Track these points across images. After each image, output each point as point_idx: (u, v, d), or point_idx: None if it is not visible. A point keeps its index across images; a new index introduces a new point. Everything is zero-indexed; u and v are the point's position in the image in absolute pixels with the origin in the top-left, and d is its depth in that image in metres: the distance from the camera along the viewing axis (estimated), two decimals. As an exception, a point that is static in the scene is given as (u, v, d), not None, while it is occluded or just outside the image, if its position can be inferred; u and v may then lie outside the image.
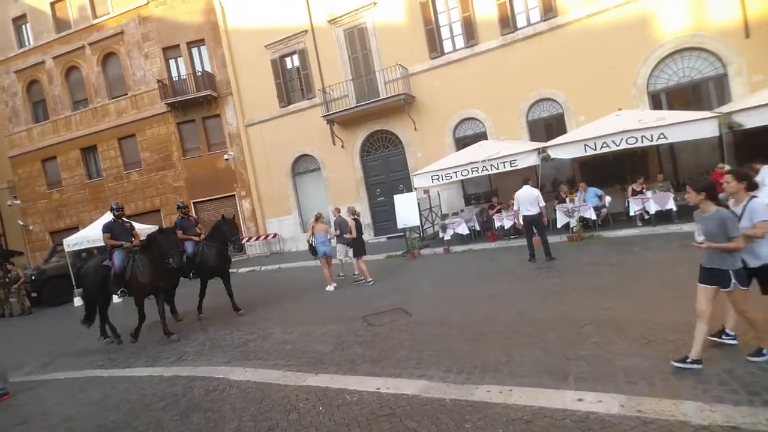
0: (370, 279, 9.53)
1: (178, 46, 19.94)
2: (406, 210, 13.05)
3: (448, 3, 15.43)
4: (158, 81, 19.69)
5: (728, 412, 2.99)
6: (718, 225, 3.57)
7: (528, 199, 9.17)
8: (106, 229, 8.13)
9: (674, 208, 10.28)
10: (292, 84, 18.64)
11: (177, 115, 20.20)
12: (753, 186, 3.91)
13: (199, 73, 19.72)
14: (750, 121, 8.98)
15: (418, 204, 13.21)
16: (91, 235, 15.01)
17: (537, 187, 11.66)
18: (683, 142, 10.70)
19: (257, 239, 19.40)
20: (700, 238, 3.65)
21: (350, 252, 10.16)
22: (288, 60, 18.51)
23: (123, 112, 21.12)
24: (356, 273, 10.01)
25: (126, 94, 21.02)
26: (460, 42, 15.40)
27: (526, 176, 10.00)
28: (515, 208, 9.70)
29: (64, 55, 21.58)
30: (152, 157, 20.87)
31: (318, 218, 9.84)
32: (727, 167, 9.40)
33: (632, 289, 6.21)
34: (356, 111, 16.55)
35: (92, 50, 21.14)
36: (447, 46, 15.65)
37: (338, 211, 10.80)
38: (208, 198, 20.42)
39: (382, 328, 6.25)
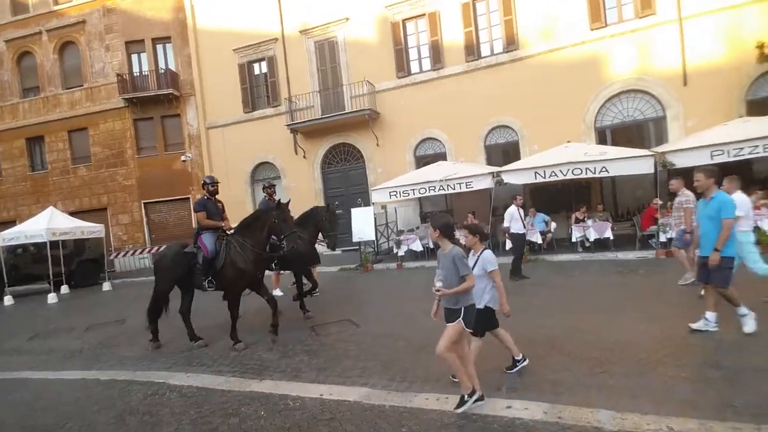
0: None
1: (142, 41, 19.49)
2: (363, 224, 13.22)
3: (418, 26, 15.98)
4: (118, 75, 19.12)
5: (636, 419, 3.30)
6: (451, 263, 3.66)
7: (521, 216, 9.28)
8: (201, 206, 6.80)
9: (611, 237, 11.01)
10: (258, 90, 18.58)
11: (135, 111, 19.62)
12: (485, 237, 4.34)
13: (162, 71, 19.30)
14: (681, 162, 9.82)
15: (375, 219, 13.41)
16: (30, 230, 14.26)
17: (490, 208, 12.23)
18: (623, 176, 11.50)
19: (210, 244, 18.93)
20: (438, 284, 3.68)
21: None
22: (256, 66, 18.47)
23: (76, 104, 20.28)
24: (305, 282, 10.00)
25: (82, 86, 20.24)
26: (426, 64, 15.94)
27: (514, 194, 10.03)
28: (506, 224, 9.64)
29: (18, 40, 20.61)
30: (103, 153, 20.09)
31: None
32: (659, 202, 10.24)
33: (568, 310, 6.60)
34: (321, 123, 16.70)
35: (49, 37, 20.28)
36: (414, 67, 16.15)
37: None
38: (160, 199, 19.84)
39: (329, 338, 6.33)
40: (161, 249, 7.44)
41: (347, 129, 16.80)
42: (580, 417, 3.39)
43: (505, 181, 11.62)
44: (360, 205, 13.70)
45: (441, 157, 15.38)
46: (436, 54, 15.64)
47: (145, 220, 20.00)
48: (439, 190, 12.10)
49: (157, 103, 19.24)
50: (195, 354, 6.32)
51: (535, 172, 11.05)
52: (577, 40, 13.74)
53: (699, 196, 5.34)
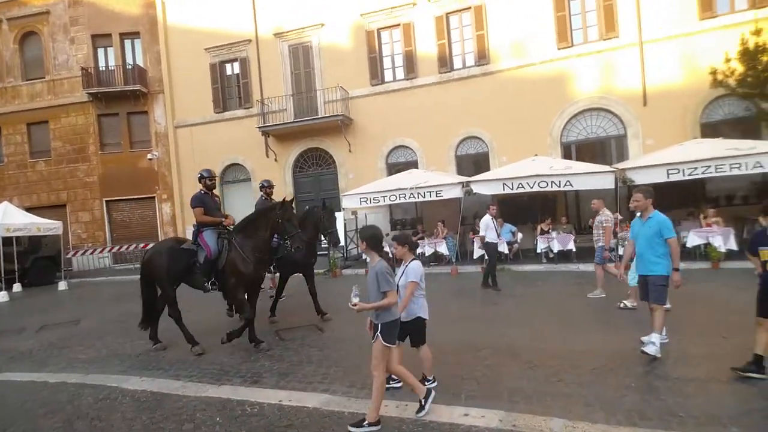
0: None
1: (109, 35, 18.93)
2: (333, 229, 13.15)
3: (393, 35, 16.14)
4: (82, 68, 18.47)
5: (586, 427, 3.41)
6: (374, 277, 3.61)
7: (492, 225, 9.33)
8: (198, 202, 6.41)
9: (574, 249, 11.36)
10: (230, 91, 18.32)
11: (99, 106, 18.98)
12: (414, 247, 4.31)
13: (130, 66, 18.78)
14: (639, 179, 10.24)
15: (345, 224, 13.40)
16: (-20, 225, 13.55)
17: (459, 218, 12.41)
18: (586, 190, 11.89)
19: (175, 246, 18.43)
20: (355, 299, 3.61)
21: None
22: (228, 66, 18.22)
23: (37, 96, 19.46)
24: (271, 287, 9.90)
25: (43, 78, 19.44)
26: (400, 73, 16.10)
27: (489, 204, 10.10)
28: (482, 233, 9.70)
29: (-25, 27, 19.62)
30: (64, 148, 19.32)
31: None
32: (620, 216, 10.62)
33: (530, 319, 6.76)
34: (294, 126, 16.60)
35: (10, 26, 19.43)
36: (388, 76, 16.28)
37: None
38: (124, 198, 19.22)
39: (293, 343, 6.27)
40: (150, 246, 7.02)
41: (320, 134, 16.76)
42: (533, 425, 3.48)
43: (474, 191, 11.84)
44: (330, 211, 13.64)
45: (412, 165, 15.53)
46: (410, 64, 15.83)
47: (106, 218, 19.30)
48: (410, 197, 12.20)
49: (123, 99, 18.68)
50: (152, 357, 6.14)
51: (504, 184, 11.30)
52: (545, 58, 14.18)
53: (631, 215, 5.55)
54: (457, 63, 15.44)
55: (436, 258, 12.83)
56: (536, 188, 10.98)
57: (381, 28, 16.17)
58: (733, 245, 9.99)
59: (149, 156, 18.47)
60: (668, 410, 3.67)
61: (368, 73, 16.25)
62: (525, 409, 3.82)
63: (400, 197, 12.33)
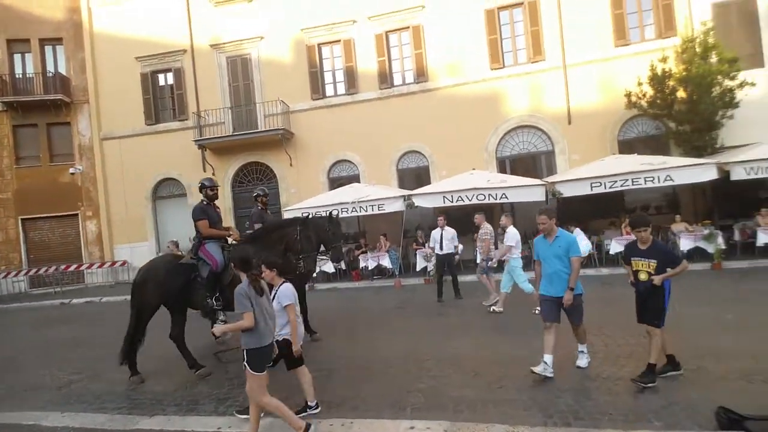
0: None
1: (28, 41, 17.55)
2: (275, 245, 12.90)
3: (333, 51, 16.26)
4: (-6, 75, 16.94)
5: (526, 431, 3.56)
6: (237, 300, 3.56)
7: (446, 237, 9.43)
8: (202, 213, 5.97)
9: (511, 259, 11.85)
10: (164, 102, 17.55)
11: (15, 116, 17.47)
12: (284, 271, 4.21)
13: (51, 74, 17.48)
14: (566, 191, 10.99)
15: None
16: None
17: (401, 231, 12.58)
18: (520, 202, 12.52)
19: (101, 266, 17.19)
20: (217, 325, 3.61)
21: None
22: (161, 76, 17.47)
23: (-62, 104, 17.55)
24: None
25: (-54, 84, 17.59)
26: (341, 88, 16.21)
27: (439, 215, 10.18)
28: (431, 245, 9.69)
29: None
30: (-28, 161, 17.52)
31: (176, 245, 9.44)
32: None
33: (471, 329, 6.96)
34: (232, 140, 16.16)
35: None
36: (329, 90, 16.34)
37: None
38: (42, 215, 17.68)
39: (233, 366, 6.01)
40: (146, 263, 6.30)
41: (260, 148, 16.43)
42: (476, 433, 3.58)
43: (416, 205, 12.08)
44: (271, 226, 13.33)
45: (355, 179, 15.60)
46: (351, 79, 15.99)
47: (22, 238, 17.64)
48: (352, 211, 12.23)
49: (42, 108, 17.30)
50: (75, 389, 5.65)
51: (444, 197, 11.65)
52: (479, 78, 14.88)
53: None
54: (397, 80, 15.82)
55: (380, 271, 12.91)
56: (475, 201, 11.41)
57: (322, 44, 16.24)
58: (649, 252, 10.86)
59: (72, 170, 17.19)
60: (599, 409, 3.92)
61: (309, 87, 16.22)
62: (469, 417, 3.92)
63: (342, 211, 12.30)
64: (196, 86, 16.85)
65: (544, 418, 3.83)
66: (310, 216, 6.17)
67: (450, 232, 9.49)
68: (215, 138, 16.18)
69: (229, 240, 6.25)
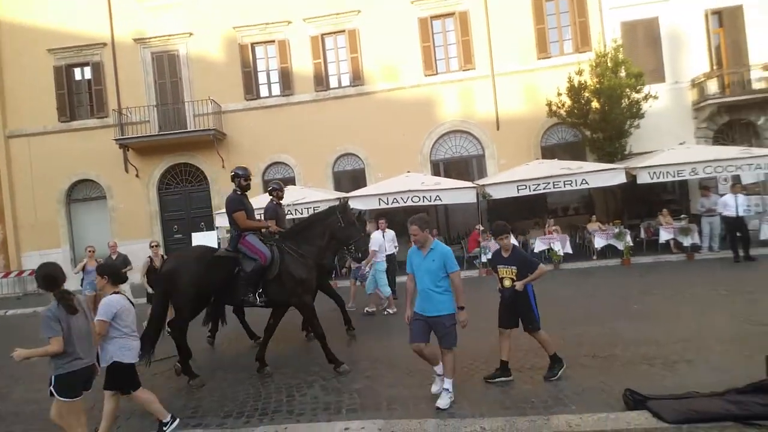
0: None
1: None
2: (206, 249, 12.41)
3: (268, 51, 15.94)
4: None
5: (456, 423, 3.74)
6: (43, 323, 3.25)
7: (388, 239, 9.34)
8: (239, 204, 5.62)
9: (445, 260, 12.25)
10: (80, 98, 16.29)
11: None
12: (119, 279, 3.95)
13: (-58, 63, 15.61)
14: (495, 194, 11.57)
15: (219, 243, 12.69)
16: None
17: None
18: (453, 204, 12.98)
19: (6, 276, 15.58)
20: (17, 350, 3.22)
21: (125, 292, 9.26)
22: (78, 71, 16.20)
23: None
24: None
25: None
26: (276, 89, 15.92)
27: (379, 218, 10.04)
28: (373, 248, 9.48)
29: None
30: None
31: (92, 253, 8.96)
32: (482, 228, 11.78)
33: (406, 328, 7.08)
34: (158, 140, 15.32)
35: None
36: (263, 91, 15.99)
37: (116, 246, 9.80)
38: (-68, 221, 15.71)
39: (158, 378, 5.73)
40: (172, 254, 5.95)
41: (190, 148, 15.70)
42: (410, 429, 3.70)
43: (351, 207, 12.08)
44: (202, 229, 12.88)
45: (290, 181, 15.36)
46: (286, 81, 15.76)
47: None
48: (287, 214, 12.03)
49: (-69, 101, 15.41)
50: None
51: (379, 199, 11.81)
52: (414, 83, 15.26)
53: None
54: (333, 82, 15.81)
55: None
56: (410, 203, 11.67)
57: (255, 43, 15.86)
58: (569, 249, 11.74)
59: (-31, 170, 15.45)
60: (523, 398, 4.19)
61: (242, 87, 15.77)
62: (402, 414, 4.04)
63: (278, 214, 12.10)
64: (117, 82, 15.79)
65: (473, 409, 4.03)
66: (345, 201, 6.08)
67: (390, 234, 9.63)
68: (139, 137, 15.24)
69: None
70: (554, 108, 13.87)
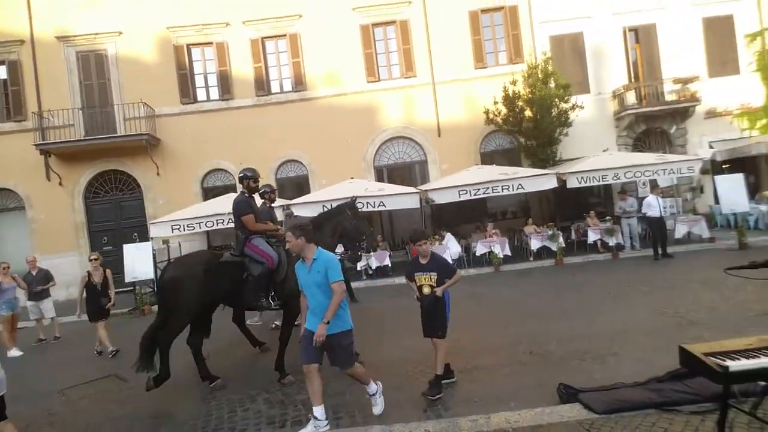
0: (111, 348, 7.52)
1: None
2: (139, 261, 11.75)
3: (205, 53, 15.41)
4: None
5: (401, 428, 3.79)
6: None
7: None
8: (249, 207, 5.49)
9: (389, 264, 12.41)
10: (-8, 99, 14.90)
11: None
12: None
13: None
14: (438, 198, 11.87)
15: (154, 255, 12.07)
16: None
17: (281, 242, 12.33)
18: (397, 209, 13.15)
19: None
20: None
21: (48, 311, 8.96)
22: (-11, 69, 14.82)
23: None
24: (57, 335, 8.45)
25: None
26: (215, 93, 15.42)
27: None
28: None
29: None
30: None
31: (5, 269, 8.29)
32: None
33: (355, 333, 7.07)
34: (84, 145, 14.33)
35: None
36: (201, 95, 15.43)
37: (35, 261, 9.11)
38: None
39: (85, 401, 5.35)
40: (174, 260, 5.74)
41: (120, 154, 14.81)
42: (355, 435, 3.70)
43: (295, 214, 11.94)
44: (135, 240, 12.18)
45: (231, 189, 14.88)
46: (225, 84, 15.30)
47: None
48: (228, 223, 11.66)
49: None
50: None
51: (323, 206, 11.67)
52: (357, 89, 15.35)
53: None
54: (275, 87, 15.55)
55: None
56: (354, 209, 11.68)
57: (192, 44, 15.28)
58: (508, 251, 12.25)
59: None
60: (465, 397, 4.32)
61: (178, 90, 15.12)
62: (348, 422, 4.05)
63: (217, 223, 11.71)
64: (37, 83, 14.61)
65: (417, 412, 4.11)
66: (354, 198, 6.10)
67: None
68: (62, 142, 14.16)
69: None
70: (491, 116, 14.49)
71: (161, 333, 5.20)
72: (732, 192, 12.22)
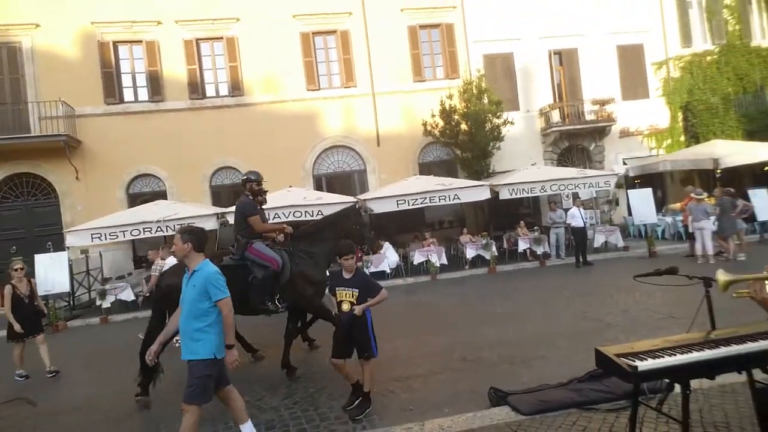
0: (51, 367, 6.74)
1: None
2: (53, 273, 10.79)
3: (134, 52, 14.59)
4: None
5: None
6: None
7: None
8: (254, 209, 5.56)
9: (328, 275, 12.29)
10: None
11: None
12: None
13: None
14: (377, 208, 11.90)
15: (71, 266, 11.16)
16: None
17: (215, 250, 11.87)
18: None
19: None
20: None
21: None
22: None
23: None
24: None
25: None
26: (144, 94, 14.62)
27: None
28: None
29: None
30: None
31: None
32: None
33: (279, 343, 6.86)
34: (-10, 145, 12.99)
35: None
36: (128, 95, 14.57)
37: None
38: None
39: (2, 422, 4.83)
40: (173, 267, 5.61)
41: (34, 156, 13.56)
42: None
43: (230, 223, 11.57)
44: (49, 250, 11.19)
45: (160, 195, 14.14)
46: (156, 85, 14.54)
47: None
48: (157, 231, 11.08)
49: None
50: None
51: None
52: (297, 97, 15.22)
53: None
54: (210, 91, 15.02)
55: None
56: (291, 218, 11.51)
57: (118, 42, 14.40)
58: (445, 260, 12.60)
59: None
60: (400, 406, 4.38)
61: (102, 89, 14.16)
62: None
63: (144, 231, 11.06)
64: (-68, 74, 13.09)
65: (353, 423, 4.10)
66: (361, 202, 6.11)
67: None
68: (-37, 141, 12.77)
69: (281, 237, 5.83)
70: (429, 128, 14.92)
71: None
72: (642, 205, 13.45)
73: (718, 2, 17.23)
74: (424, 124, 14.89)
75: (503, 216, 15.32)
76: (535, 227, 14.22)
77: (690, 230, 11.07)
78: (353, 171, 15.84)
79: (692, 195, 10.95)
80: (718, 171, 13.85)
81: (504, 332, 6.51)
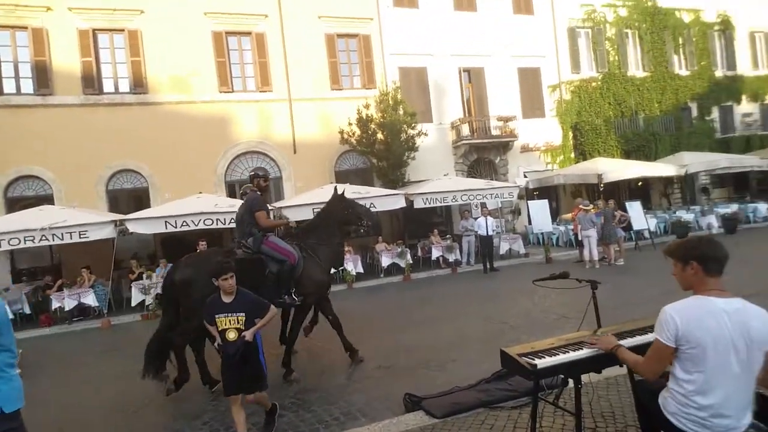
0: None
1: None
2: None
3: (17, 38, 12.97)
4: None
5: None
6: None
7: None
8: (262, 204, 5.45)
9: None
10: None
11: None
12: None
13: None
14: (293, 216, 11.71)
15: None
16: None
17: (113, 262, 10.92)
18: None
19: None
20: None
21: None
22: None
23: None
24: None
25: None
26: (27, 86, 13.03)
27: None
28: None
29: None
30: None
31: None
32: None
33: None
34: None
35: None
36: (8, 86, 12.91)
37: None
38: None
39: None
40: (185, 258, 5.28)
41: None
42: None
43: (131, 231, 10.70)
44: None
45: (46, 200, 12.64)
46: (42, 77, 13.02)
47: None
48: (41, 240, 9.88)
49: None
50: None
51: (166, 222, 10.72)
52: (208, 98, 14.50)
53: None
54: (108, 86, 13.78)
55: (81, 311, 10.80)
56: (202, 226, 10.92)
57: (-3, 26, 12.71)
58: (360, 268, 12.72)
59: None
60: (318, 419, 4.34)
61: (-27, 78, 12.39)
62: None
63: (26, 240, 9.80)
64: None
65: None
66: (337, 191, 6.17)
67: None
68: None
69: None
70: (346, 136, 15.02)
71: (176, 336, 5.08)
72: (540, 215, 14.73)
73: (601, 34, 19.52)
74: (341, 133, 14.96)
75: (417, 224, 15.84)
76: (448, 235, 14.90)
77: (579, 238, 12.30)
78: (269, 178, 15.40)
79: (581, 206, 12.21)
80: (602, 185, 15.58)
81: (419, 337, 6.74)
